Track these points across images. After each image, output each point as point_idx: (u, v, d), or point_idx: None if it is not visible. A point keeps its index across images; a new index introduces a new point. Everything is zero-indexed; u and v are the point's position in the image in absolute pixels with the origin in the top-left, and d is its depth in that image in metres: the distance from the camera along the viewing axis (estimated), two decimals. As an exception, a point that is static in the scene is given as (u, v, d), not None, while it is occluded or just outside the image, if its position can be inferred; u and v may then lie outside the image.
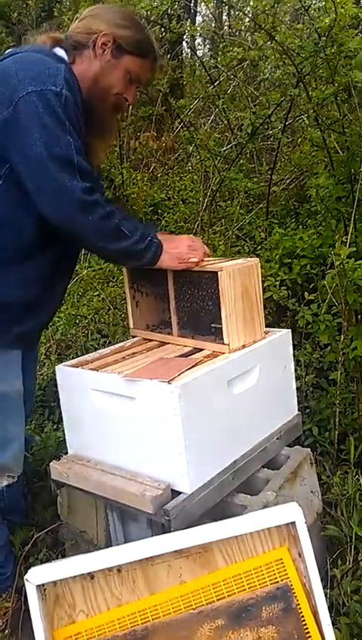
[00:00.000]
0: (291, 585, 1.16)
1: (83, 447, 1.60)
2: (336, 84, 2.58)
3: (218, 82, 4.01)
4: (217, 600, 1.15)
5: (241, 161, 3.69)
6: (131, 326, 1.81)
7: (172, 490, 1.39)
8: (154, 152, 5.07)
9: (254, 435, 1.61)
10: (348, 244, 2.17)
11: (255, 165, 4.06)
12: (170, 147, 5.15)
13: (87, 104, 1.50)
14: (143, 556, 1.14)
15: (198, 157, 3.94)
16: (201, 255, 1.60)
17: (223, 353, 1.55)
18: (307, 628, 1.13)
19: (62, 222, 1.41)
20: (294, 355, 1.77)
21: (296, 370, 1.78)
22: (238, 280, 1.54)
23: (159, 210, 4.29)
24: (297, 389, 1.79)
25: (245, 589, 1.16)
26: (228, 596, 1.16)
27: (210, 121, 4.65)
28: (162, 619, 1.13)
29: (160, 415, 1.38)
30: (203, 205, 3.68)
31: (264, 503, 1.48)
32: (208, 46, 6.70)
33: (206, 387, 1.42)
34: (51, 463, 1.59)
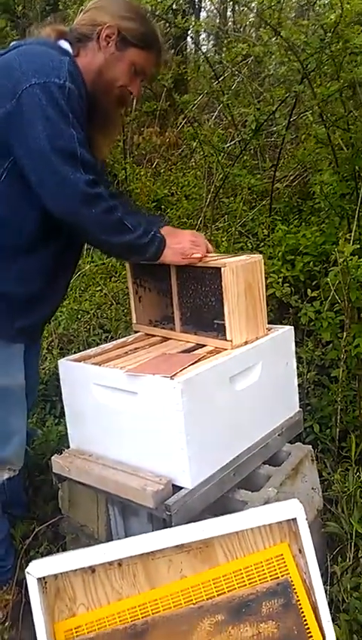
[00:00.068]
0: (291, 581, 1.17)
1: (85, 442, 1.60)
2: (341, 81, 2.58)
3: (222, 78, 4.00)
4: (217, 595, 1.15)
5: (245, 158, 3.69)
6: (134, 321, 1.81)
7: (173, 485, 1.39)
8: (157, 148, 5.07)
9: (256, 431, 1.61)
10: (351, 241, 2.16)
11: (258, 162, 4.05)
12: (174, 143, 5.14)
13: (91, 97, 1.49)
14: (144, 551, 1.14)
15: (202, 153, 3.93)
16: (204, 251, 1.59)
17: (226, 349, 1.55)
18: (307, 624, 1.14)
19: (65, 215, 1.40)
20: (296, 352, 1.77)
21: (297, 368, 1.78)
22: (241, 276, 1.53)
23: (162, 206, 4.29)
24: (299, 386, 1.79)
25: (245, 585, 1.16)
26: (228, 591, 1.16)
27: (213, 117, 4.63)
28: (162, 613, 1.13)
29: (162, 410, 1.38)
30: (206, 201, 3.68)
31: (265, 499, 1.48)
32: (212, 42, 6.68)
33: (208, 383, 1.42)
34: (53, 457, 1.59)
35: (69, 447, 1.64)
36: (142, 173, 4.65)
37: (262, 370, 1.59)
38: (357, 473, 1.87)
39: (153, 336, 1.76)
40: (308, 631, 1.13)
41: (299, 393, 1.80)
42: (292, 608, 1.14)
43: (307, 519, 1.18)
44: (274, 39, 2.96)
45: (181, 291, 1.64)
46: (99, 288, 3.41)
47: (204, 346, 1.60)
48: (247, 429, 1.58)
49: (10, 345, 1.54)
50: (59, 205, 1.39)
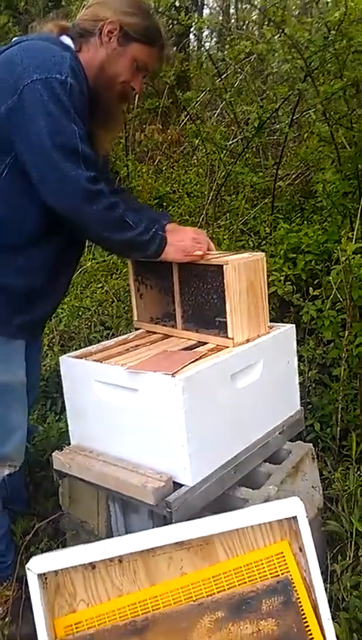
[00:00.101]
0: (291, 579, 1.17)
1: (85, 438, 1.60)
2: (345, 79, 2.57)
3: (225, 75, 3.99)
4: (217, 592, 1.15)
5: (247, 155, 3.68)
6: (135, 318, 1.81)
7: (174, 482, 1.39)
8: (159, 145, 5.06)
9: (256, 429, 1.61)
10: (354, 239, 2.16)
11: (261, 160, 4.05)
12: (176, 140, 5.13)
13: (93, 92, 1.49)
14: (144, 547, 1.14)
15: (204, 150, 3.93)
16: (206, 248, 1.59)
17: (227, 347, 1.54)
18: (307, 622, 1.14)
19: (66, 211, 1.40)
20: (297, 351, 1.76)
21: (298, 366, 1.78)
22: (244, 274, 1.53)
23: (164, 204, 4.28)
24: (300, 384, 1.79)
25: (245, 582, 1.16)
26: (228, 588, 1.16)
27: (216, 115, 4.63)
28: (162, 610, 1.13)
29: (163, 407, 1.38)
30: (208, 199, 3.67)
31: (265, 497, 1.48)
32: (215, 39, 6.66)
33: (209, 380, 1.42)
34: (54, 454, 1.60)
35: (69, 443, 1.64)
36: (143, 170, 4.64)
37: (264, 368, 1.59)
38: (358, 472, 1.87)
39: (154, 333, 1.75)
40: (307, 629, 1.13)
41: (300, 392, 1.80)
42: (292, 606, 1.14)
43: (307, 517, 1.18)
44: (277, 37, 2.96)
45: (183, 289, 1.64)
46: (100, 285, 3.41)
47: (206, 343, 1.60)
48: (248, 427, 1.58)
49: (10, 341, 1.54)
50: (61, 202, 1.39)
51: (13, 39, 1.51)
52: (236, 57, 3.41)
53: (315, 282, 2.53)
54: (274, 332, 1.66)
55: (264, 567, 1.17)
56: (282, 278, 2.40)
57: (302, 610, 1.14)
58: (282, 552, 1.18)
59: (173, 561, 1.17)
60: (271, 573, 1.17)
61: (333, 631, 1.13)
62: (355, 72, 2.53)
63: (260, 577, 1.17)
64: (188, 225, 3.56)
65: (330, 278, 2.24)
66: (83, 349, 1.68)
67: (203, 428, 1.41)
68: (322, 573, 1.17)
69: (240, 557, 1.18)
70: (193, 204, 3.99)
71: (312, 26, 2.77)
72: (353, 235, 2.22)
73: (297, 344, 1.76)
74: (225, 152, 3.59)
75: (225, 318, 1.53)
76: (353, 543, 1.66)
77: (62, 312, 3.05)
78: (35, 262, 1.50)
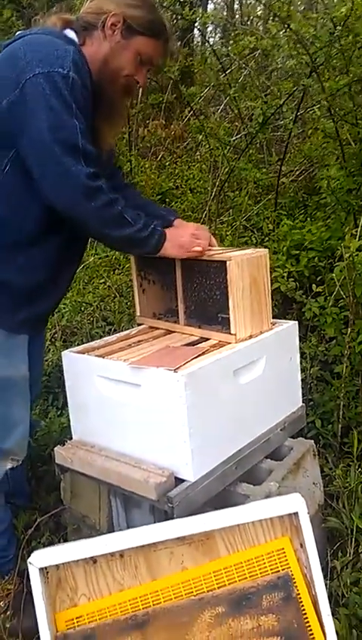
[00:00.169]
0: (292, 574, 1.17)
1: (88, 433, 1.61)
2: (351, 75, 2.56)
3: (229, 71, 3.97)
4: (218, 587, 1.16)
5: (251, 151, 3.67)
6: (138, 314, 1.81)
7: (176, 477, 1.40)
8: (162, 141, 5.04)
9: (258, 425, 1.61)
10: (357, 236, 2.15)
11: (264, 156, 4.03)
12: (179, 136, 5.12)
13: (97, 86, 1.48)
14: (146, 542, 1.15)
15: (208, 146, 3.91)
16: (205, 244, 1.59)
17: (230, 343, 1.54)
18: (307, 617, 1.14)
19: (66, 207, 1.40)
20: (299, 348, 1.76)
21: (300, 363, 1.78)
22: (247, 270, 1.53)
23: (167, 199, 4.27)
24: (301, 381, 1.79)
25: (246, 578, 1.17)
26: (229, 584, 1.16)
27: (220, 110, 4.61)
28: (163, 604, 1.14)
29: (165, 403, 1.38)
30: (211, 195, 3.66)
31: (266, 493, 1.48)
32: (219, 34, 6.64)
33: (212, 376, 1.42)
34: (56, 448, 1.60)
35: (71, 438, 1.65)
36: (146, 165, 4.63)
37: (266, 364, 1.59)
38: (359, 469, 1.87)
39: (157, 329, 1.75)
40: (307, 624, 1.13)
41: (302, 388, 1.80)
42: (292, 602, 1.14)
43: (308, 514, 1.19)
44: (282, 32, 2.94)
45: (186, 284, 1.64)
46: (102, 281, 3.41)
47: (208, 339, 1.60)
48: (250, 423, 1.58)
49: (13, 336, 1.54)
50: (60, 198, 1.38)
51: (17, 33, 1.50)
52: (240, 53, 3.40)
53: (318, 279, 2.53)
54: (277, 328, 1.65)
55: (265, 563, 1.18)
56: (285, 274, 2.40)
57: (303, 606, 1.15)
58: (283, 548, 1.19)
59: (174, 556, 1.17)
60: (271, 569, 1.17)
61: (333, 627, 1.14)
62: (361, 67, 2.51)
63: (261, 573, 1.17)
64: (191, 221, 3.56)
65: (333, 275, 2.23)
66: (85, 345, 1.69)
67: (205, 424, 1.41)
68: (322, 569, 1.17)
69: (241, 552, 1.19)
70: (196, 200, 3.98)
71: (318, 22, 2.75)
72: (356, 231, 2.21)
73: (299, 341, 1.76)
74: (228, 147, 3.58)
75: (228, 314, 1.53)
76: (353, 539, 1.66)
77: (64, 308, 3.05)
78: (36, 260, 1.50)
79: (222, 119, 4.31)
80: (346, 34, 2.49)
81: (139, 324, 1.82)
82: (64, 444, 1.61)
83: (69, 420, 1.67)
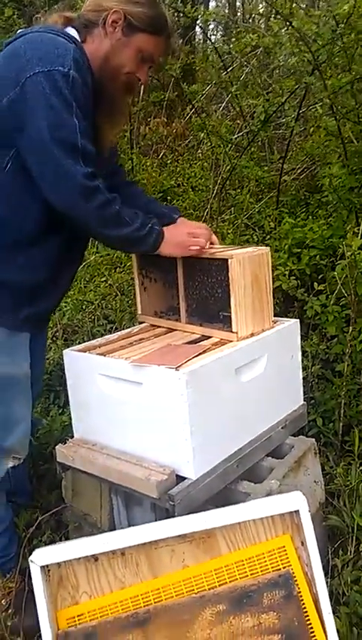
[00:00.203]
0: (293, 572, 1.17)
1: (89, 432, 1.61)
2: (353, 73, 2.55)
3: (231, 68, 3.96)
4: (219, 585, 1.16)
5: (253, 149, 3.66)
6: (139, 312, 1.81)
7: (177, 475, 1.40)
8: (164, 138, 5.03)
9: (259, 423, 1.61)
10: (359, 235, 2.15)
11: (266, 154, 4.03)
12: (181, 133, 5.11)
13: (98, 84, 1.47)
14: (147, 540, 1.15)
15: (209, 144, 3.91)
16: (204, 243, 1.58)
17: (231, 341, 1.54)
18: (307, 615, 1.14)
19: (64, 207, 1.40)
20: (301, 346, 1.76)
21: (301, 361, 1.78)
22: (248, 268, 1.53)
23: (168, 197, 4.27)
24: (303, 379, 1.79)
25: (247, 575, 1.17)
26: (230, 582, 1.16)
27: (221, 108, 4.60)
28: (164, 602, 1.14)
29: (167, 401, 1.38)
30: (212, 193, 3.66)
31: (267, 491, 1.48)
32: (221, 32, 6.62)
33: (213, 374, 1.42)
34: (57, 446, 1.60)
35: (72, 436, 1.65)
36: (148, 163, 4.62)
37: (268, 362, 1.59)
38: (360, 467, 1.87)
39: (158, 327, 1.75)
40: (308, 622, 1.14)
41: (303, 387, 1.80)
42: (293, 600, 1.15)
43: (309, 512, 1.19)
44: (284, 30, 2.93)
45: (187, 282, 1.64)
46: (104, 279, 3.40)
47: (210, 337, 1.60)
48: (251, 421, 1.58)
49: (16, 333, 1.54)
50: (58, 197, 1.38)
51: (18, 31, 1.49)
52: (242, 50, 3.39)
53: (320, 277, 2.52)
54: (279, 327, 1.65)
55: (266, 561, 1.18)
56: (286, 272, 2.39)
57: (303, 604, 1.15)
58: (284, 546, 1.19)
59: (175, 553, 1.17)
60: (272, 567, 1.18)
61: (334, 625, 1.14)
62: (363, 65, 2.51)
63: (262, 571, 1.17)
64: (193, 219, 3.56)
65: (335, 273, 2.23)
66: (86, 343, 1.69)
67: (206, 421, 1.41)
68: (323, 567, 1.17)
69: (242, 550, 1.19)
70: (198, 198, 3.97)
71: (320, 19, 2.73)
72: (358, 230, 2.21)
73: (301, 339, 1.76)
74: (230, 145, 3.57)
75: (230, 312, 1.53)
76: (354, 537, 1.66)
77: (65, 306, 3.05)
78: (36, 260, 1.50)
79: (224, 117, 4.30)
80: (349, 31, 2.48)
81: (140, 323, 1.82)
82: (65, 443, 1.61)
83: (70, 419, 1.67)
